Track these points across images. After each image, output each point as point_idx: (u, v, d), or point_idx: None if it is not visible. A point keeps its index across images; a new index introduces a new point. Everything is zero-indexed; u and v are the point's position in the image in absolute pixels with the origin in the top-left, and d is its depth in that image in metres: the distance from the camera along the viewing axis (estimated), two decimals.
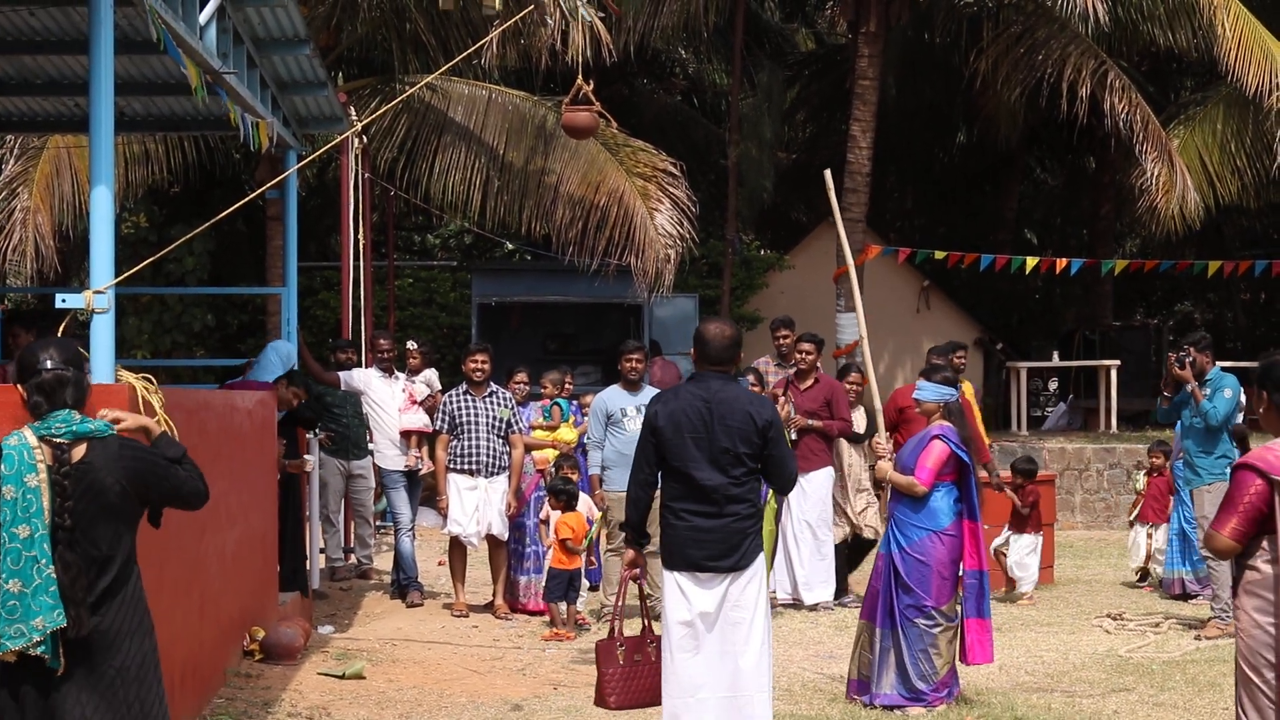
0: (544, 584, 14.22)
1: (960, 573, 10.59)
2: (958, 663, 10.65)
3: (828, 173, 11.84)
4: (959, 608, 10.58)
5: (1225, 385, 13.70)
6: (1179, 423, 14.48)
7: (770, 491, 13.22)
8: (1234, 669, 6.93)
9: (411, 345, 17.19)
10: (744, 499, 8.51)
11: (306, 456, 14.62)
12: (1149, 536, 16.80)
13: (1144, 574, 16.85)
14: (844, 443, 15.40)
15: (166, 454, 6.31)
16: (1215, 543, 6.82)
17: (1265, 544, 6.69)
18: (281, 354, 13.64)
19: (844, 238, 11.96)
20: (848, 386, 15.41)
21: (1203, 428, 13.75)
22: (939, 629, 10.44)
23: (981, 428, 16.98)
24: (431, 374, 16.47)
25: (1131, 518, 17.25)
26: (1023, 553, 15.73)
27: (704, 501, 8.47)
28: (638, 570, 9.00)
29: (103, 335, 8.31)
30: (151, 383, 8.17)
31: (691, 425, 8.49)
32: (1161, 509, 16.70)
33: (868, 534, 15.40)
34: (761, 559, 8.67)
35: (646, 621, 9.20)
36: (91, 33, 8.41)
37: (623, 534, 13.63)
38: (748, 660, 8.49)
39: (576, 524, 13.79)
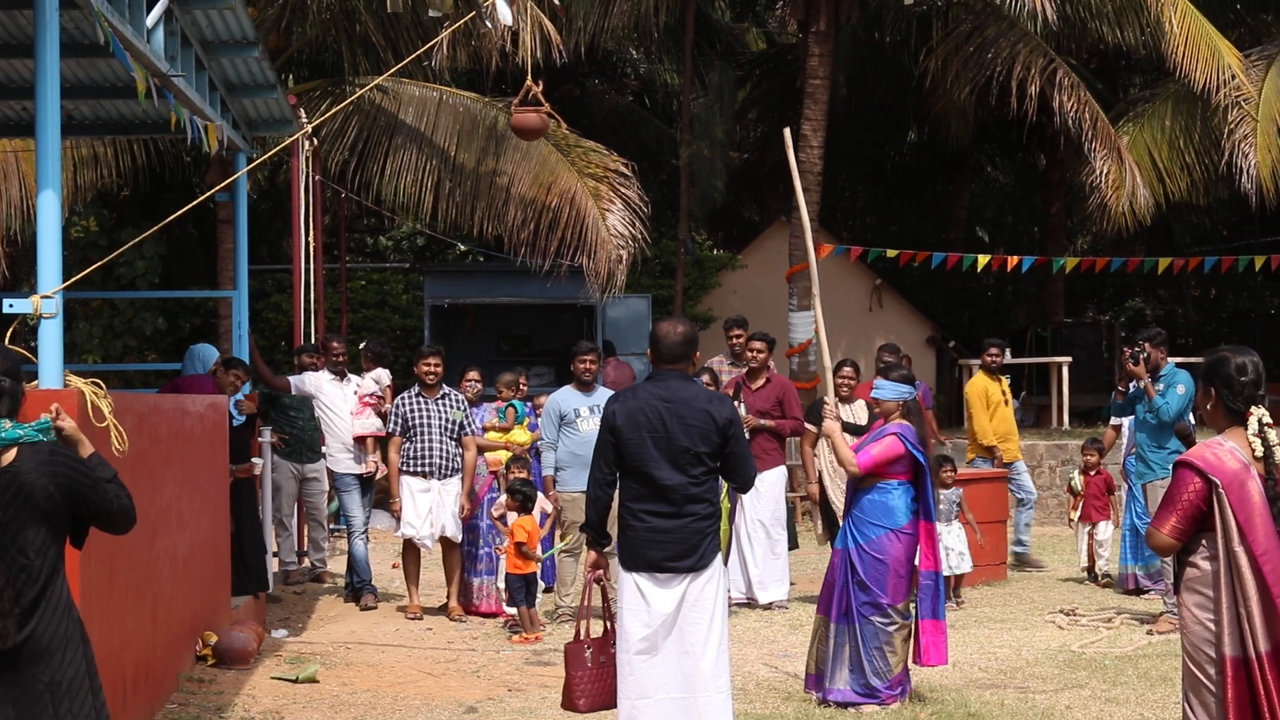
0: (503, 590, 14.19)
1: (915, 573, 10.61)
2: (911, 662, 10.68)
3: (786, 131, 11.77)
4: (913, 607, 10.60)
5: (1178, 381, 13.76)
6: (1133, 418, 14.57)
7: (725, 491, 13.28)
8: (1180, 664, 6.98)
9: (362, 346, 17.11)
10: (703, 499, 8.49)
11: (255, 460, 14.59)
12: (1090, 535, 16.87)
13: (1090, 572, 16.88)
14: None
15: (97, 472, 6.14)
16: (1155, 540, 6.86)
17: (1205, 541, 6.73)
18: (199, 357, 13.87)
19: (801, 198, 11.74)
20: (839, 381, 15.18)
21: (1155, 423, 13.82)
22: (894, 627, 10.45)
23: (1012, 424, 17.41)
24: (381, 373, 16.39)
25: (1074, 518, 17.30)
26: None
27: (663, 502, 8.45)
28: (600, 571, 8.98)
29: (51, 340, 8.28)
30: (100, 387, 8.13)
31: (650, 425, 8.47)
32: (1102, 506, 16.79)
33: None
34: (720, 559, 8.66)
35: (609, 623, 9.17)
36: (37, 36, 8.37)
37: (577, 534, 13.74)
38: (706, 661, 8.48)
39: (531, 527, 13.77)
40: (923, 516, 10.55)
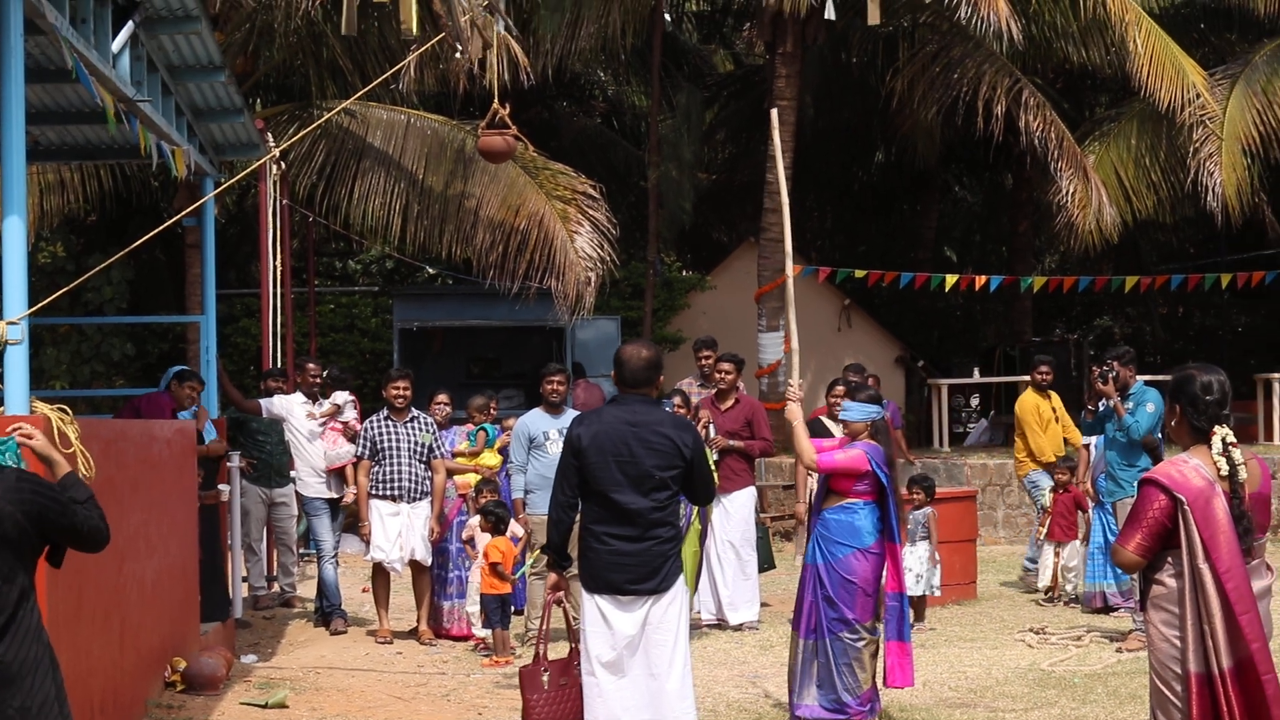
0: (478, 612, 14.15)
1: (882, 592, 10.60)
2: (879, 683, 10.67)
3: (774, 112, 11.68)
4: (881, 626, 10.60)
5: (1148, 399, 13.79)
6: (1103, 436, 14.61)
7: (694, 513, 13.28)
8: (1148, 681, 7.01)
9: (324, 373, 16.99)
10: (665, 522, 8.52)
11: (221, 486, 14.55)
12: (1056, 554, 16.86)
13: (1050, 591, 16.85)
14: None
15: (70, 493, 6.09)
16: (1120, 557, 6.90)
17: (1170, 558, 6.77)
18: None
19: (782, 176, 11.65)
20: (832, 400, 15.11)
21: (1125, 441, 13.87)
22: (863, 643, 10.44)
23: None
24: (338, 395, 16.31)
25: (1041, 537, 17.30)
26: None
27: (626, 524, 8.46)
28: (560, 594, 8.99)
29: (17, 366, 8.26)
30: (67, 413, 8.12)
31: (615, 448, 8.48)
32: (1068, 525, 16.78)
33: None
34: (682, 581, 8.69)
35: (572, 645, 9.18)
36: (2, 61, 8.35)
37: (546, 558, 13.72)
38: (672, 683, 8.50)
39: (506, 548, 13.75)
40: (888, 538, 10.54)
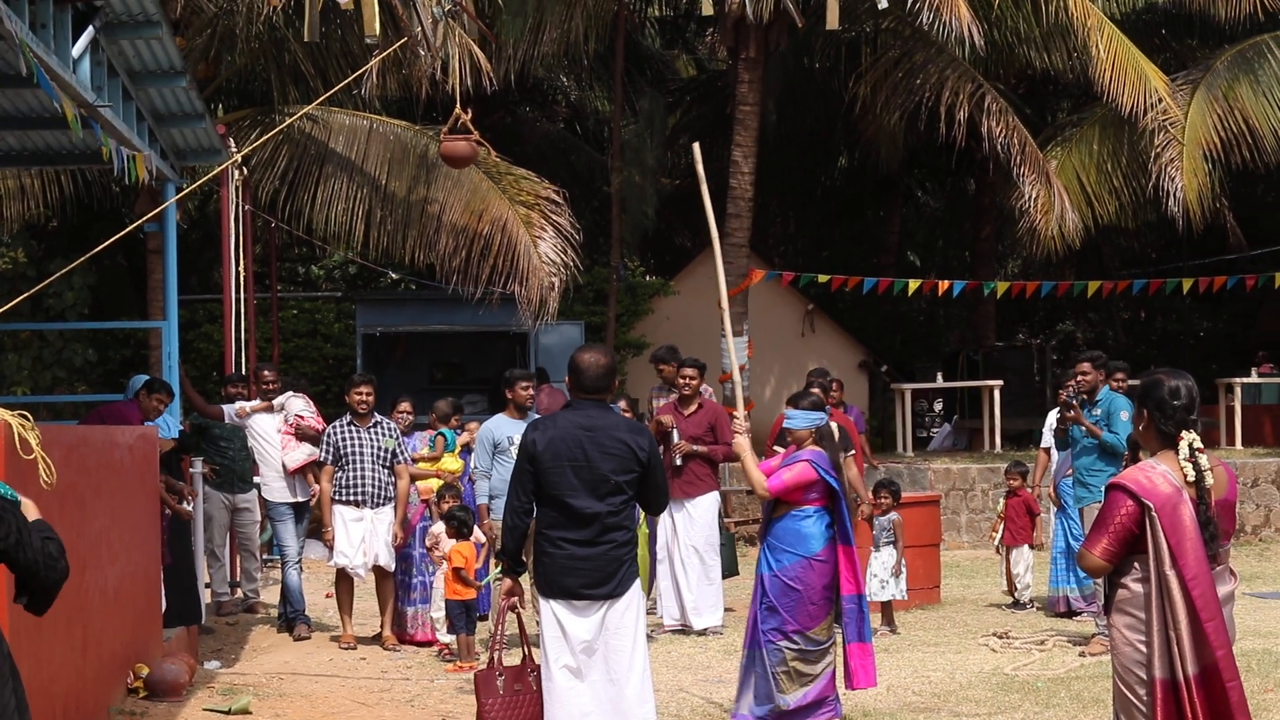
0: (442, 617, 14.12)
1: (836, 597, 10.55)
2: (843, 687, 10.64)
3: (695, 146, 11.69)
4: (837, 633, 10.55)
5: (1120, 408, 13.79)
6: (1070, 440, 14.63)
7: (643, 516, 13.29)
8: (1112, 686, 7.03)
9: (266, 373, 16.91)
10: (621, 526, 8.53)
11: (185, 506, 14.41)
12: (1006, 559, 16.92)
13: (1011, 595, 16.91)
14: None
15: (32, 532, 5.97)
16: (1086, 561, 6.91)
17: (1136, 563, 6.78)
18: (133, 387, 14.02)
19: (710, 215, 11.59)
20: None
21: (1094, 445, 13.89)
22: (795, 651, 10.36)
23: None
24: (284, 396, 16.25)
25: (996, 541, 17.33)
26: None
27: (581, 529, 8.47)
28: (515, 599, 8.98)
29: None
30: (28, 419, 8.07)
31: (570, 453, 8.49)
32: (1019, 529, 16.82)
33: None
34: (638, 585, 8.70)
35: (526, 650, 9.18)
36: None
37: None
38: (631, 688, 8.49)
39: (469, 553, 13.73)
40: (840, 541, 10.50)
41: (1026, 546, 16.73)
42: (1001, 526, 17.02)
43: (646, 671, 8.61)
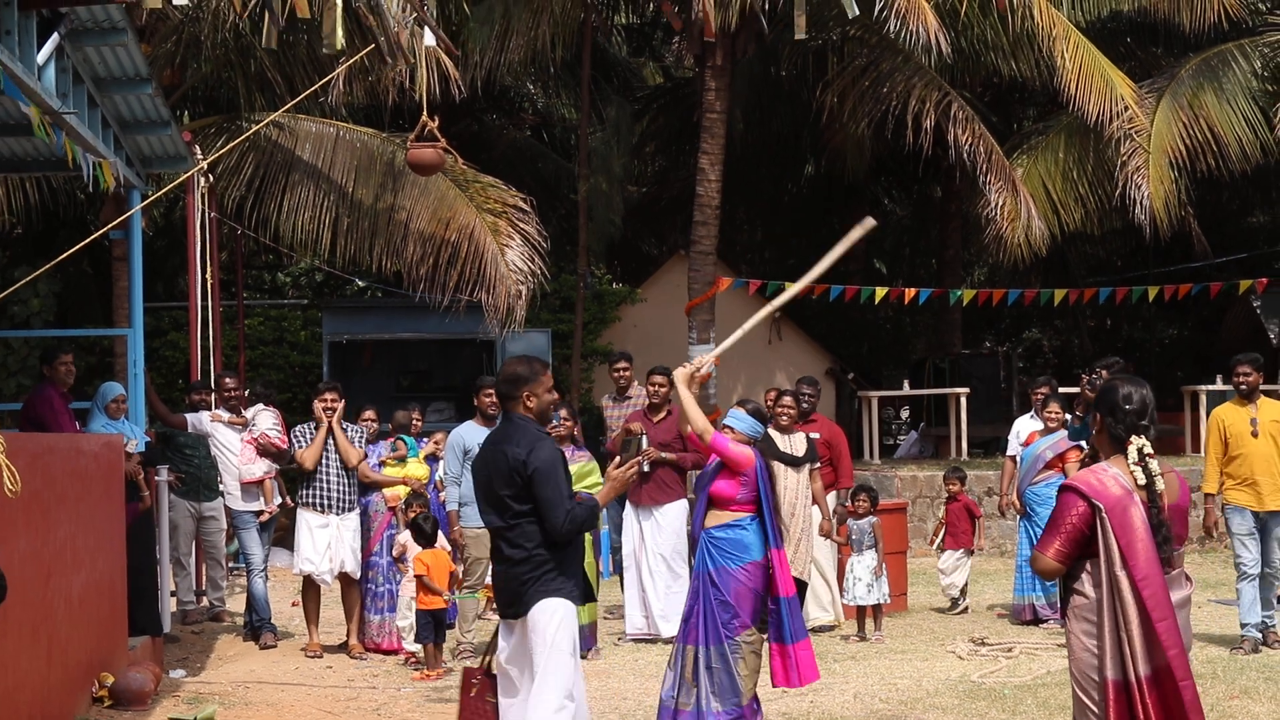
0: (409, 626, 14.09)
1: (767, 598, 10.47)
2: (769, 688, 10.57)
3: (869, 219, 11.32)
4: (765, 634, 10.45)
5: None
6: (1030, 448, 14.67)
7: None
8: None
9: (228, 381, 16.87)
10: (515, 544, 8.29)
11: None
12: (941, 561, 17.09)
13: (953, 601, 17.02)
14: (779, 467, 14.50)
15: None
16: (1040, 564, 6.97)
17: (1089, 567, 6.84)
18: (101, 394, 14.33)
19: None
20: (780, 411, 14.91)
21: None
22: (749, 646, 10.30)
23: None
24: (255, 410, 16.23)
25: (937, 545, 17.41)
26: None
27: (494, 548, 8.51)
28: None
29: None
30: None
31: (479, 469, 8.52)
32: (960, 532, 16.92)
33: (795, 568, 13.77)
34: (552, 604, 8.29)
35: (487, 658, 9.02)
36: None
37: (478, 572, 13.76)
38: (536, 713, 8.22)
39: (434, 561, 13.68)
40: (773, 545, 10.43)
41: (963, 550, 16.85)
42: (943, 531, 17.14)
43: (559, 691, 8.20)
